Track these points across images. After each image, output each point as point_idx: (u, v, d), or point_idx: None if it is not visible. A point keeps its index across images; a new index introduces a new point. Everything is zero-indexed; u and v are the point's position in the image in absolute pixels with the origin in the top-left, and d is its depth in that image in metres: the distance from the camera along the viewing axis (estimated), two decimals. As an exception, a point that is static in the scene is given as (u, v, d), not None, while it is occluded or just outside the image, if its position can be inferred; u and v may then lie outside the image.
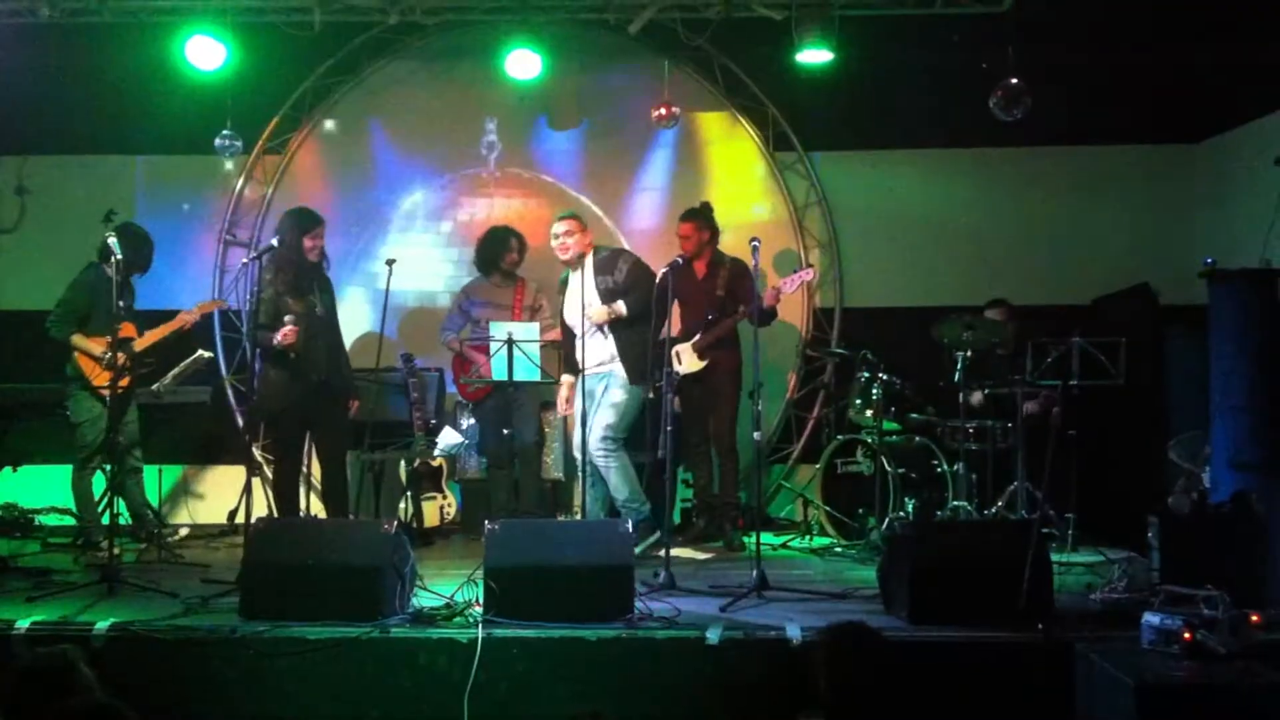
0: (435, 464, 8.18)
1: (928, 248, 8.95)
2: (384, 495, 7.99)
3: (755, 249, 6.83)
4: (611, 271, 7.22)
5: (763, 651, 5.19)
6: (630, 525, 5.80)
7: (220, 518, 8.49)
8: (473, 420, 8.38)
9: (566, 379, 7.53)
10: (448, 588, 5.76)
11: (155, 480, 7.97)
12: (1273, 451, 5.76)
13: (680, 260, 7.24)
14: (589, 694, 5.14)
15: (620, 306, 7.14)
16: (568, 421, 8.57)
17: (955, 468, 7.58)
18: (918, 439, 7.79)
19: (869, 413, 7.79)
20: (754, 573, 6.11)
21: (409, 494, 8.03)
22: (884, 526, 7.27)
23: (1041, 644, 5.13)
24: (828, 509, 7.87)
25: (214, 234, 9.09)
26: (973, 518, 7.36)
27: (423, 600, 5.71)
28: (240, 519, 7.34)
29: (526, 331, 7.12)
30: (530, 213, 9.11)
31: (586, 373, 7.20)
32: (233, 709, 5.21)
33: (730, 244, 8.08)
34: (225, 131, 8.59)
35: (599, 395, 7.19)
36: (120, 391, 7.31)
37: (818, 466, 8.08)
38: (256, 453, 8.58)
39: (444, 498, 8.28)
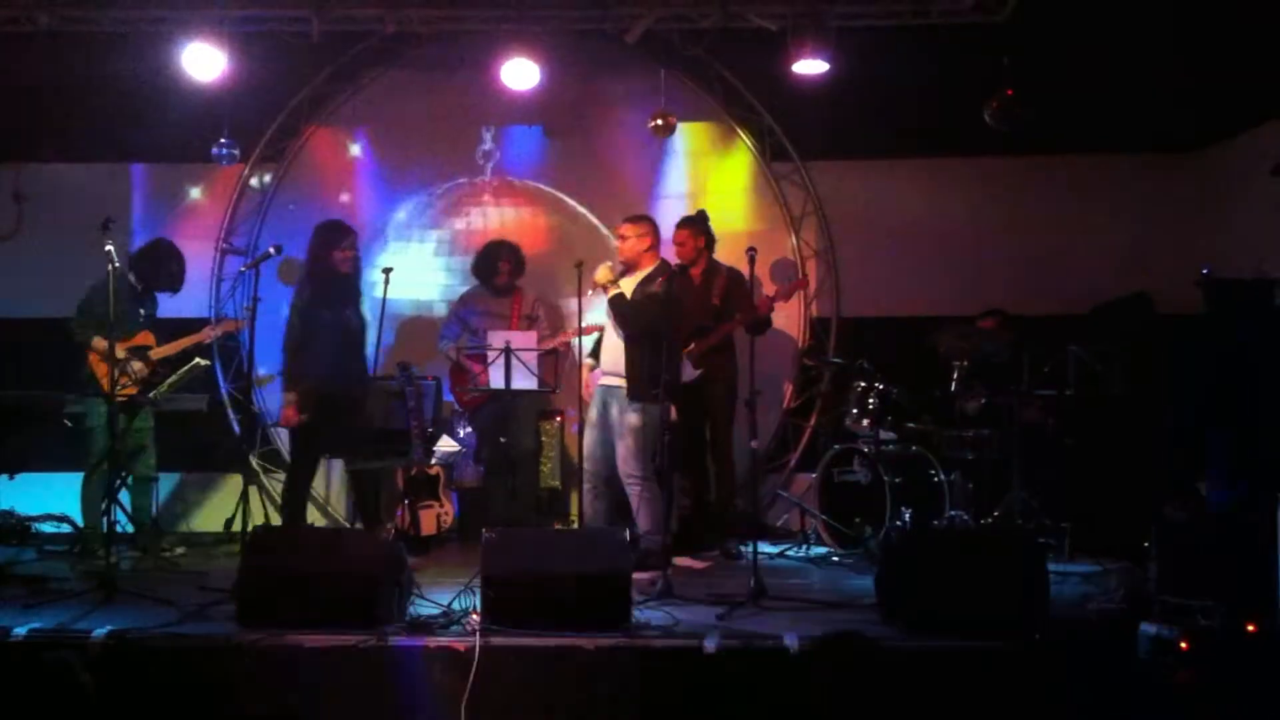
0: (432, 472, 8.18)
1: (924, 257, 8.95)
2: (381, 503, 7.98)
3: (751, 258, 6.84)
4: (649, 285, 7.02)
5: (760, 661, 5.18)
6: (628, 537, 5.79)
7: (217, 526, 8.49)
8: (470, 429, 8.39)
9: (589, 362, 7.46)
10: (445, 596, 5.76)
11: (154, 488, 7.95)
12: (1269, 461, 5.76)
13: (676, 269, 7.26)
14: (586, 703, 5.14)
15: (689, 368, 7.01)
16: (564, 430, 8.59)
17: (952, 477, 7.58)
18: (914, 448, 7.79)
19: (866, 422, 7.79)
20: (751, 581, 6.11)
21: (406, 502, 8.02)
22: (881, 535, 7.27)
23: (1037, 652, 5.13)
24: (825, 518, 7.87)
25: (211, 242, 9.08)
26: (970, 527, 7.36)
27: (420, 609, 5.71)
28: (237, 527, 7.36)
29: (524, 340, 7.12)
30: (526, 221, 9.13)
31: (602, 380, 7.15)
32: (229, 717, 5.20)
33: (727, 253, 8.10)
34: (223, 140, 8.60)
35: (614, 413, 7.12)
36: (126, 399, 7.37)
37: (814, 475, 8.08)
38: (253, 461, 8.59)
39: (441, 506, 8.27)
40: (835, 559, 7.68)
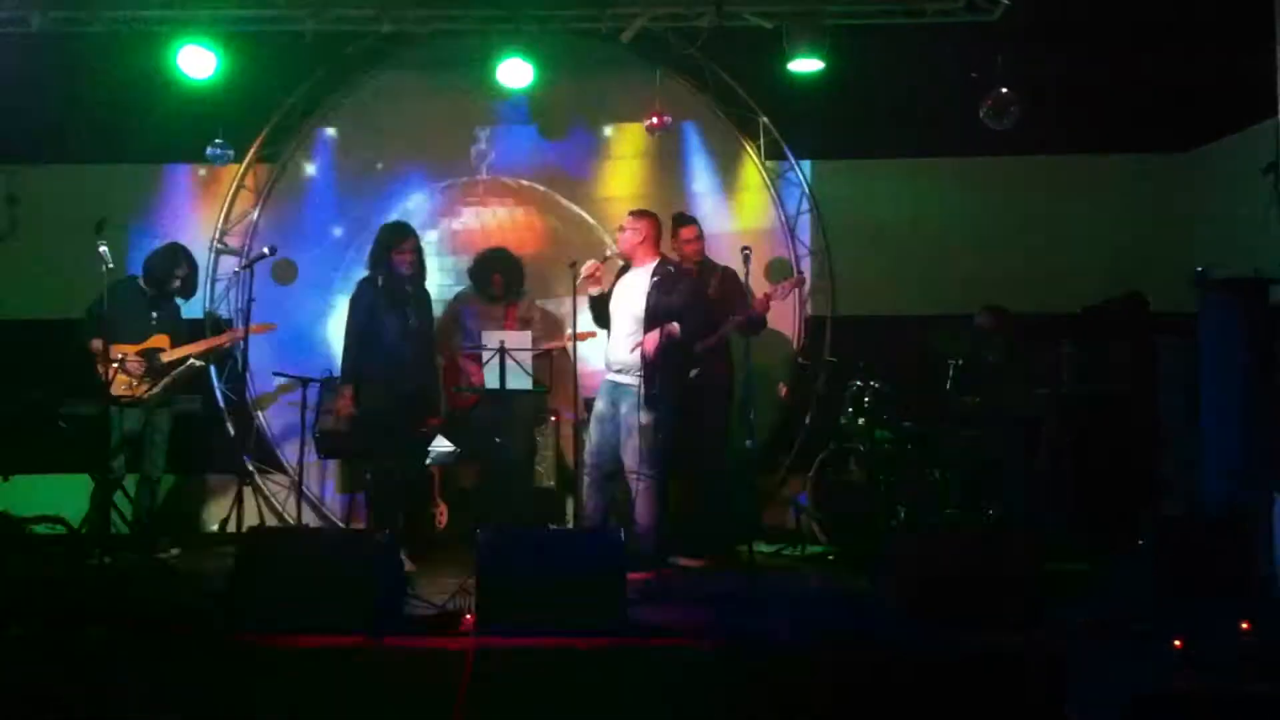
0: (427, 473, 8.17)
1: (920, 256, 8.95)
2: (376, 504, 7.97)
3: (746, 257, 6.84)
4: (671, 291, 6.95)
5: (755, 660, 5.18)
6: (623, 537, 5.79)
7: (211, 526, 8.48)
8: (465, 427, 8.37)
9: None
10: (440, 597, 5.76)
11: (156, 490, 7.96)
12: (1263, 459, 5.77)
13: (671, 269, 7.25)
14: (581, 703, 5.13)
15: (674, 327, 6.93)
16: (559, 430, 8.58)
17: (947, 476, 7.58)
18: (909, 447, 7.79)
19: (861, 421, 7.79)
20: (747, 581, 6.11)
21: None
22: (876, 534, 7.28)
23: (1034, 651, 5.13)
24: (820, 517, 7.87)
25: (206, 243, 9.06)
26: (965, 525, 7.37)
27: (414, 609, 5.70)
28: (232, 527, 7.36)
29: (519, 341, 7.12)
30: (521, 221, 9.12)
31: (608, 375, 7.14)
32: (222, 718, 5.19)
33: (722, 252, 8.10)
34: (217, 140, 8.59)
35: (623, 411, 7.06)
36: (131, 399, 7.38)
37: (810, 475, 8.08)
38: (247, 462, 8.58)
39: (436, 506, 8.26)
40: (831, 558, 7.68)
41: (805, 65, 7.87)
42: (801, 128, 9.01)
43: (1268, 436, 5.81)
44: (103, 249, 6.61)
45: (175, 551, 7.87)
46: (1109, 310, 8.27)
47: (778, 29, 7.85)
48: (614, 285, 7.17)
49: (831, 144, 9.11)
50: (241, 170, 9.07)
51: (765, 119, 9.02)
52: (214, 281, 9.06)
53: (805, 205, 9.13)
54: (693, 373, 7.51)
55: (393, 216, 9.02)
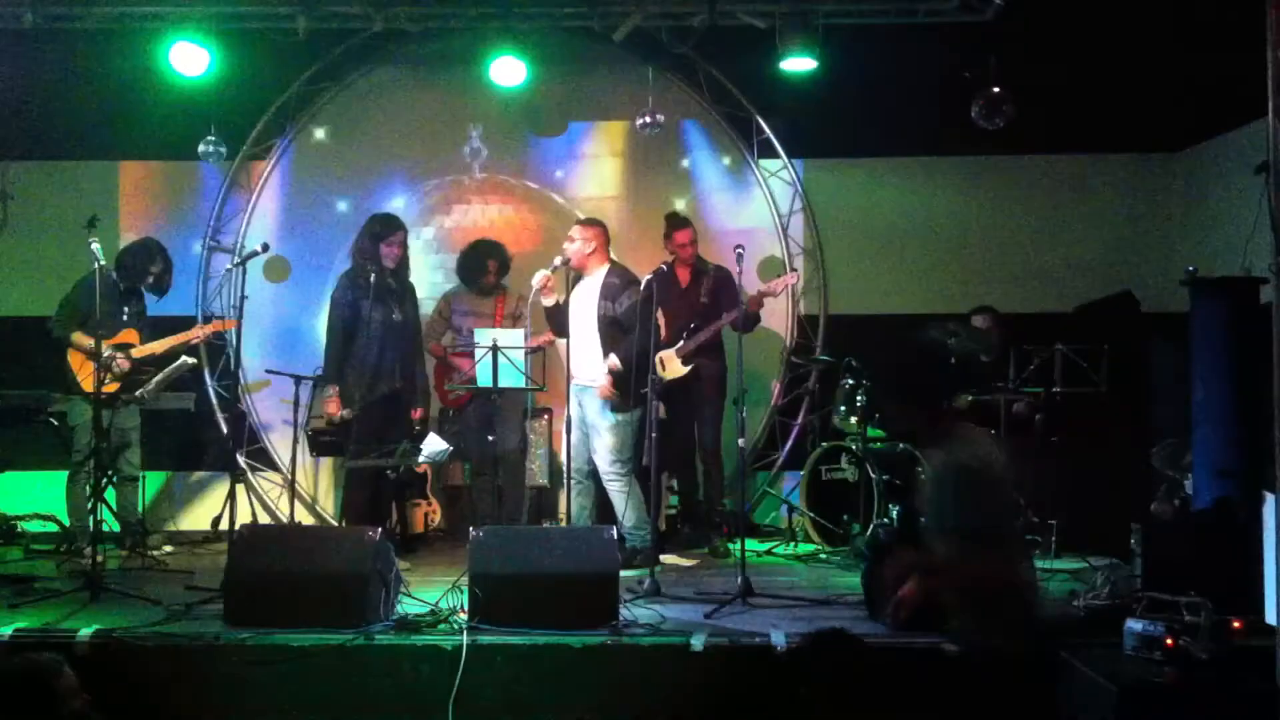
0: (419, 470, 8.17)
1: (912, 255, 8.97)
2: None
3: (740, 256, 6.86)
4: (615, 299, 7.10)
5: (747, 658, 5.20)
6: (615, 535, 5.80)
7: (204, 524, 8.47)
8: (457, 427, 8.37)
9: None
10: (432, 595, 5.77)
11: (139, 486, 7.93)
12: (1254, 458, 5.78)
13: (665, 268, 7.28)
14: (573, 701, 5.14)
15: (614, 361, 7.03)
16: (551, 428, 8.58)
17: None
18: (901, 446, 7.80)
19: (853, 419, 7.80)
20: (739, 579, 6.12)
21: (394, 501, 8.01)
22: (868, 533, 7.29)
23: (1025, 648, 5.14)
24: (812, 516, 7.89)
25: (198, 240, 9.06)
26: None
27: (407, 607, 5.72)
28: (225, 525, 7.35)
29: (511, 338, 7.12)
30: (514, 219, 9.11)
31: (575, 381, 7.19)
32: (217, 716, 5.20)
33: (715, 251, 8.10)
34: (209, 137, 8.58)
35: (590, 413, 7.13)
36: (107, 397, 7.34)
37: (802, 473, 8.09)
38: (240, 459, 8.57)
39: (428, 504, 8.26)
40: (822, 556, 7.70)
41: (798, 64, 7.87)
42: (794, 127, 9.01)
43: (1259, 436, 5.81)
44: (94, 245, 6.60)
45: (168, 549, 7.87)
46: (1101, 310, 8.29)
47: (770, 28, 7.85)
48: (569, 295, 7.23)
49: (824, 143, 9.12)
50: (234, 167, 9.06)
51: (758, 118, 9.02)
52: (206, 279, 9.05)
53: (798, 204, 9.13)
54: (685, 371, 7.54)
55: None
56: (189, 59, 7.87)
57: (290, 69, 8.93)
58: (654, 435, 6.80)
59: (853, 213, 9.11)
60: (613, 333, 7.05)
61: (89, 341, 7.36)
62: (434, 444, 7.40)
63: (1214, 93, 7.82)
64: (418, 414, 7.67)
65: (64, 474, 7.74)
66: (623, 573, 5.73)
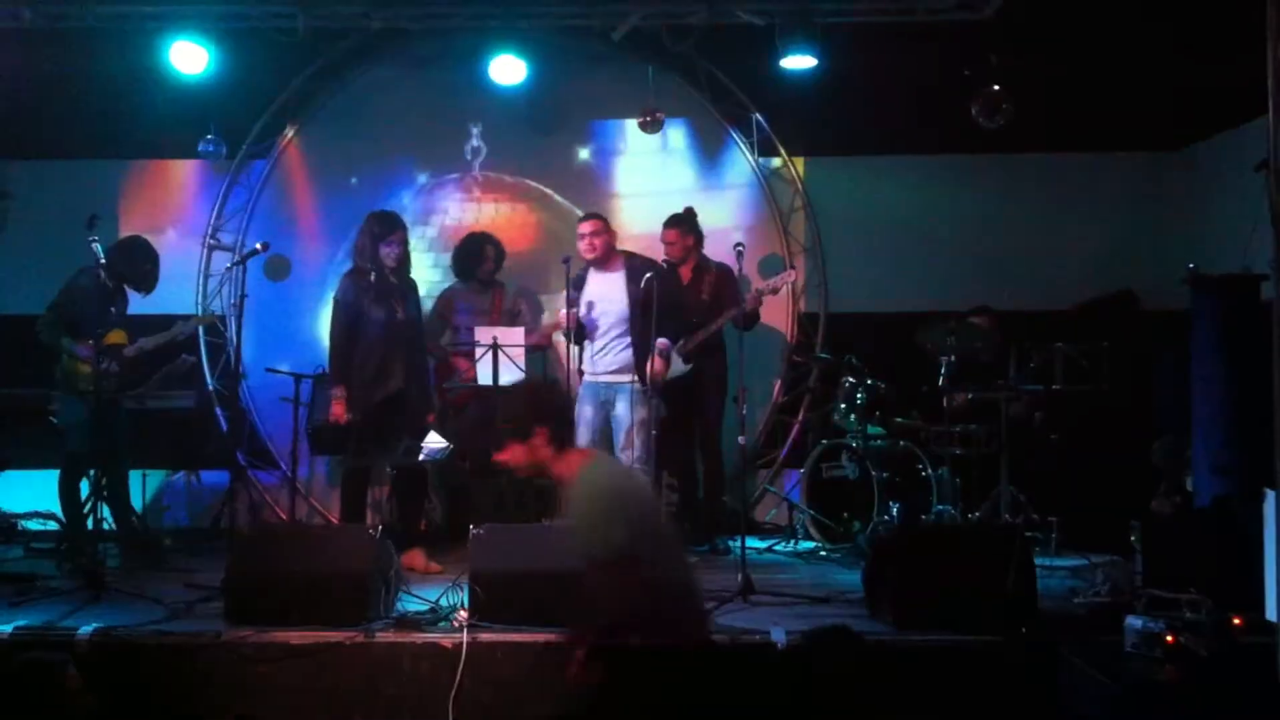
0: (420, 469, 8.15)
1: (912, 253, 8.97)
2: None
3: (740, 254, 6.86)
4: (639, 282, 7.10)
5: (748, 656, 5.19)
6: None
7: (204, 522, 8.47)
8: (456, 426, 8.36)
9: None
10: (433, 592, 5.77)
11: (139, 485, 7.92)
12: (1254, 456, 5.78)
13: (666, 265, 7.28)
14: (573, 698, 5.13)
15: (663, 342, 7.07)
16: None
17: (939, 472, 7.61)
18: (902, 443, 7.81)
19: (853, 417, 7.81)
20: (739, 577, 6.12)
21: (394, 499, 8.00)
22: (869, 531, 7.30)
23: (1025, 647, 5.15)
24: (813, 513, 7.89)
25: (198, 239, 9.06)
26: (957, 522, 7.39)
27: (408, 605, 5.72)
28: (225, 524, 7.35)
29: (511, 336, 7.13)
30: (514, 218, 9.11)
31: (599, 379, 7.17)
32: (217, 714, 5.20)
33: (715, 249, 8.10)
34: (209, 136, 8.58)
35: (617, 408, 7.11)
36: (106, 397, 7.32)
37: (803, 471, 8.09)
38: (240, 458, 8.57)
39: (429, 502, 8.25)
40: (823, 554, 7.70)
41: (798, 62, 7.87)
42: (794, 124, 9.01)
43: (1258, 433, 5.82)
44: (95, 245, 6.59)
45: (167, 542, 7.86)
46: (1101, 308, 8.29)
47: (770, 26, 7.85)
48: (580, 294, 7.22)
49: (824, 141, 9.12)
50: (234, 166, 9.06)
51: (758, 116, 9.02)
52: (206, 278, 9.05)
53: (798, 202, 9.14)
54: (687, 366, 7.53)
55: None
56: (189, 58, 7.87)
57: (290, 68, 8.93)
58: (654, 433, 6.80)
59: (853, 210, 9.10)
60: (648, 316, 7.02)
61: (76, 347, 7.27)
62: (434, 441, 7.41)
63: (1215, 90, 7.82)
64: (431, 418, 7.59)
65: (64, 473, 7.74)
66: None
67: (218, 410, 8.93)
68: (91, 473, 7.25)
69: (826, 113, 8.75)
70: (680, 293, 7.69)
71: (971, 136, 8.32)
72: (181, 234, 8.99)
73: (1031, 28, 7.94)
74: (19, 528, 8.09)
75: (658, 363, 6.98)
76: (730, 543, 7.62)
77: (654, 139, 8.91)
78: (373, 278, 7.22)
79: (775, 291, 7.70)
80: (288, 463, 8.24)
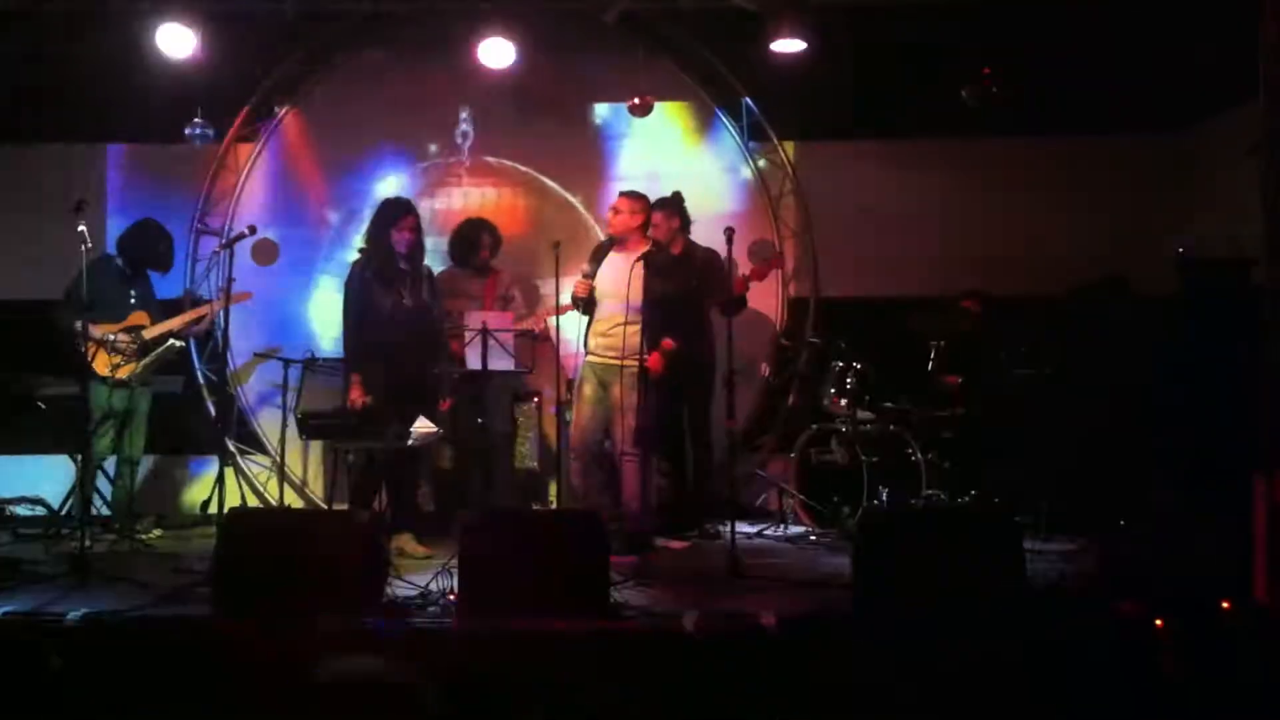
0: (411, 453, 8.12)
1: (902, 238, 8.94)
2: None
3: (729, 239, 6.83)
4: (667, 278, 7.07)
5: (738, 640, 5.19)
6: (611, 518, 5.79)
7: (193, 508, 8.45)
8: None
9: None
10: (422, 578, 5.75)
11: (135, 471, 7.91)
12: (1248, 440, 5.79)
13: (654, 248, 7.25)
14: (564, 684, 5.13)
15: (670, 341, 7.09)
16: (541, 411, 8.56)
17: (929, 456, 7.60)
18: (891, 427, 7.81)
19: (843, 402, 7.80)
20: (729, 561, 6.11)
21: (383, 484, 7.97)
22: (858, 515, 7.29)
23: (1016, 631, 5.15)
24: (802, 498, 7.89)
25: (186, 223, 9.01)
26: (946, 506, 7.39)
27: (397, 591, 5.70)
28: (213, 509, 7.32)
29: (500, 321, 7.10)
30: (504, 201, 9.09)
31: (599, 359, 7.14)
32: (205, 699, 5.17)
33: (704, 234, 8.08)
34: (197, 119, 8.52)
35: (615, 393, 7.08)
36: (112, 381, 7.34)
37: (792, 455, 8.09)
38: (229, 443, 8.54)
39: (419, 487, 8.23)
40: (812, 538, 7.70)
41: (787, 46, 7.85)
42: (784, 109, 9.00)
43: (1249, 416, 5.82)
44: (81, 229, 6.56)
45: (157, 533, 7.84)
46: (1092, 293, 8.28)
47: (761, 9, 7.82)
48: (598, 267, 7.19)
49: (814, 125, 9.10)
50: (222, 149, 9.01)
51: (748, 100, 9.00)
52: (194, 261, 9.01)
53: (788, 186, 9.12)
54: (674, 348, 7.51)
55: (376, 196, 8.99)
56: (176, 41, 7.82)
57: (279, 51, 8.89)
58: (652, 415, 6.78)
59: (843, 195, 9.07)
60: (667, 310, 7.01)
61: (91, 330, 7.30)
62: (423, 426, 7.38)
63: (1207, 74, 7.81)
64: (445, 405, 7.55)
65: (54, 458, 7.71)
66: (613, 555, 5.72)
67: (206, 395, 8.88)
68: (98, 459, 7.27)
69: (817, 96, 8.73)
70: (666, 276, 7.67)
71: (963, 121, 8.30)
72: (169, 218, 8.88)
73: (1023, 10, 7.92)
74: (7, 512, 8.06)
75: (658, 360, 6.97)
76: (720, 528, 7.61)
77: (644, 123, 8.87)
78: (379, 263, 7.18)
79: (761, 278, 7.68)
80: (276, 447, 8.21)
